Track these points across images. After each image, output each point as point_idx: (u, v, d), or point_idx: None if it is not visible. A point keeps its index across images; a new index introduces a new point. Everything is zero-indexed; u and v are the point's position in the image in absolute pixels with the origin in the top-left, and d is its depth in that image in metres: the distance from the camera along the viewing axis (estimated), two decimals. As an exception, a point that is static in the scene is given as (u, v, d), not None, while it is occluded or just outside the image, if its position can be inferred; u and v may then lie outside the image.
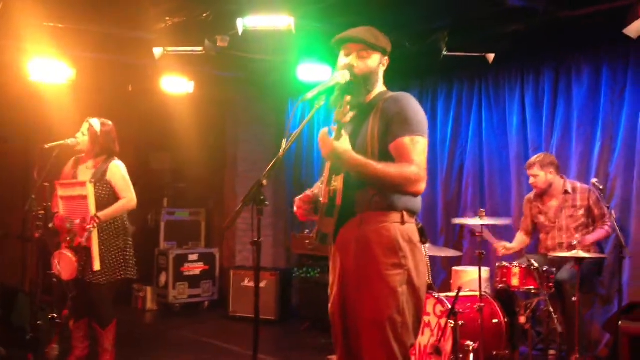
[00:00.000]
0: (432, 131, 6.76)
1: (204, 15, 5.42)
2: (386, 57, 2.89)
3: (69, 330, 4.94)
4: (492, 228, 5.34)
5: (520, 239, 5.41)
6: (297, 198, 2.87)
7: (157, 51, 5.77)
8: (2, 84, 6.62)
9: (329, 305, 2.87)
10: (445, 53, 5.62)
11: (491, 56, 5.65)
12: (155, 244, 8.00)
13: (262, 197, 2.54)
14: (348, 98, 2.61)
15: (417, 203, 2.76)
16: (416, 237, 2.73)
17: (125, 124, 7.68)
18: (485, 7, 5.21)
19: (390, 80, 6.45)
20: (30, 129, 7.18)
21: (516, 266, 4.69)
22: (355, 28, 2.89)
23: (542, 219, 5.23)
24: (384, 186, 2.62)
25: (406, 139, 2.62)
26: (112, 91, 7.45)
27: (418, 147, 2.63)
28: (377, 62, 2.84)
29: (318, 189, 2.89)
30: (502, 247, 5.22)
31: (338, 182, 2.68)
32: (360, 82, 2.78)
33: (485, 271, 5.34)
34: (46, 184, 4.12)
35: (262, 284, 6.86)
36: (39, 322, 3.66)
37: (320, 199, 2.76)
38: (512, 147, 6.04)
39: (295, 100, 7.84)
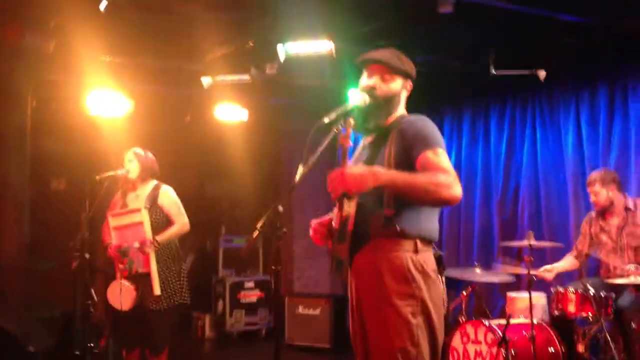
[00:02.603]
0: (485, 151, 6.65)
1: (249, 43, 5.52)
2: (409, 81, 2.83)
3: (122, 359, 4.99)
4: (546, 251, 5.12)
5: (568, 261, 5.10)
6: (314, 221, 2.81)
7: (206, 81, 5.89)
8: (61, 119, 6.86)
9: (350, 333, 2.81)
10: (494, 72, 5.51)
11: (542, 73, 5.51)
12: (214, 271, 8.07)
13: (277, 224, 2.52)
14: (351, 121, 2.56)
15: (433, 230, 2.67)
16: (431, 266, 2.63)
17: (183, 152, 7.89)
18: (535, 24, 5.07)
19: (441, 101, 6.42)
20: (89, 162, 7.41)
21: (572, 292, 4.48)
22: (380, 50, 2.85)
23: (604, 238, 4.94)
24: (416, 195, 2.53)
25: (429, 153, 2.57)
26: (169, 121, 7.61)
27: (442, 157, 2.57)
28: (399, 86, 2.79)
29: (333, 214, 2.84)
30: (544, 270, 4.89)
31: (351, 208, 2.63)
32: (381, 104, 2.73)
33: (542, 297, 5.14)
34: (83, 216, 4.20)
35: (316, 311, 6.82)
36: (76, 352, 3.73)
37: (333, 224, 2.70)
38: (569, 166, 5.83)
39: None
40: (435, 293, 2.61)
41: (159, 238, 4.66)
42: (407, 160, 2.60)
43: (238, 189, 8.76)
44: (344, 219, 2.65)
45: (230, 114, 7.07)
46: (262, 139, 8.09)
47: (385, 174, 2.52)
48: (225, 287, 7.60)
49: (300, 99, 7.40)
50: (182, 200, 4.95)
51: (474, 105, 6.78)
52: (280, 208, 2.53)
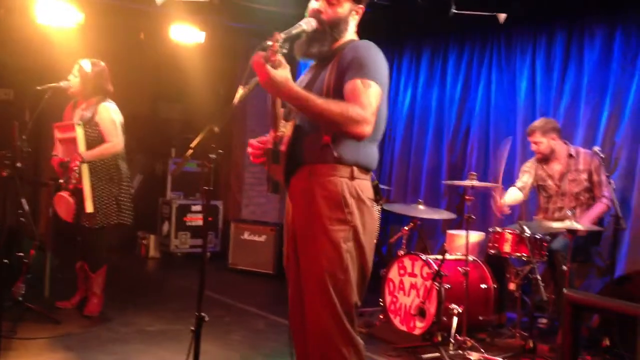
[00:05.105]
0: (441, 91, 6.67)
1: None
2: (360, 6, 2.73)
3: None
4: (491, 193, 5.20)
5: (512, 193, 5.13)
6: (252, 140, 2.73)
7: (160, -3, 5.68)
8: (9, 28, 6.58)
9: (284, 258, 2.82)
10: (455, 10, 5.45)
11: (502, 16, 5.46)
12: (162, 194, 8.02)
13: (212, 145, 2.47)
14: (280, 36, 2.43)
15: (372, 158, 2.64)
16: (367, 193, 2.61)
17: (135, 71, 7.68)
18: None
19: (402, 37, 6.28)
20: (39, 73, 7.16)
21: (509, 232, 4.60)
22: None
23: (549, 182, 5.05)
24: (325, 123, 2.49)
25: (357, 81, 2.49)
26: (122, 38, 7.37)
27: (369, 90, 2.48)
28: (347, 10, 2.68)
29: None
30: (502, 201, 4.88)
31: (287, 129, 2.59)
32: (327, 29, 2.65)
33: (480, 236, 5.27)
34: (15, 125, 4.07)
35: (262, 238, 6.88)
36: (5, 260, 3.65)
37: (268, 144, 2.66)
38: (520, 112, 5.90)
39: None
40: (369, 220, 2.59)
41: (85, 153, 4.59)
42: (342, 85, 2.54)
43: (191, 112, 8.63)
44: (277, 139, 2.60)
45: (187, 34, 6.89)
46: (218, 63, 7.92)
47: (297, 91, 2.42)
48: (171, 209, 7.59)
49: (260, 24, 7.23)
50: (132, 121, 4.83)
51: (434, 44, 6.76)
52: (216, 129, 2.44)
